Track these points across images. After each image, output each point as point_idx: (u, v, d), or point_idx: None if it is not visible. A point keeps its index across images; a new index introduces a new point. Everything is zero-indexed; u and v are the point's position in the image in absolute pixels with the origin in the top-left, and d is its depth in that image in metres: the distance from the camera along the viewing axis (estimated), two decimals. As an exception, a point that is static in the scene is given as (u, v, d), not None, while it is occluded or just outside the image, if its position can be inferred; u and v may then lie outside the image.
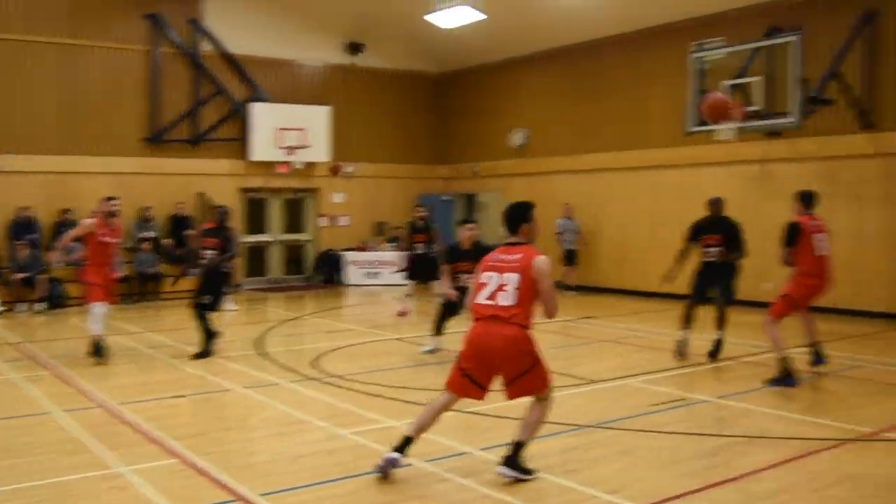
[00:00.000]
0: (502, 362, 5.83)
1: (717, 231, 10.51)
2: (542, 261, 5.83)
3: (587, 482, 5.86)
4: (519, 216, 6.05)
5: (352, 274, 20.92)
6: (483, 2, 17.20)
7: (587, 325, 13.92)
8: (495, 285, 5.86)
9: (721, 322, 10.58)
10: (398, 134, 22.74)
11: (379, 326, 13.88)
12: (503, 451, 5.96)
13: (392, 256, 19.31)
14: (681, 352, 10.56)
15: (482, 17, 17.47)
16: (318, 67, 21.41)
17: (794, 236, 9.24)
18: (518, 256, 5.87)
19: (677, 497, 5.60)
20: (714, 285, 10.64)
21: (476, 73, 22.33)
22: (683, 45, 16.49)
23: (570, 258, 18.62)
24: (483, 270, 6.01)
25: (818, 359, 9.84)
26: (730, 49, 14.82)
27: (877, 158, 14.41)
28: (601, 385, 9.14)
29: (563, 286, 17.98)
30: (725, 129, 13.56)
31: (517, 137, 20.85)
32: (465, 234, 10.49)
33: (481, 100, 22.24)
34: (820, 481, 5.95)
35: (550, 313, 5.92)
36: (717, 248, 10.45)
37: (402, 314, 14.04)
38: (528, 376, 5.86)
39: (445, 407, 6.05)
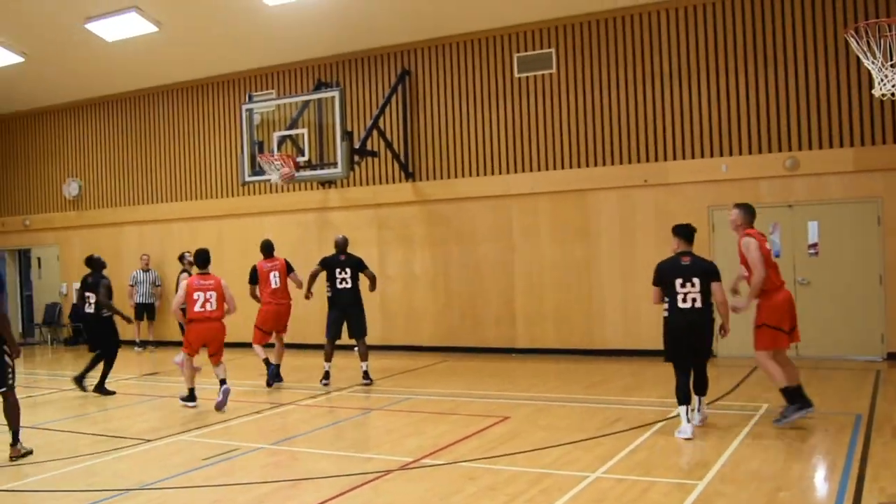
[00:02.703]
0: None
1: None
2: None
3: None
4: None
5: None
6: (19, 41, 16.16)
7: (152, 382, 13.43)
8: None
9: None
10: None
11: None
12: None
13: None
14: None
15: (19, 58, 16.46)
16: None
17: (254, 276, 12.19)
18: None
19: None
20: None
21: (20, 119, 20.67)
22: (239, 96, 16.86)
23: (146, 312, 17.88)
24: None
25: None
26: (278, 101, 15.32)
27: (418, 205, 15.70)
28: (153, 444, 8.78)
29: (139, 343, 17.47)
30: (277, 179, 13.98)
31: (72, 188, 19.65)
32: None
33: (27, 147, 20.62)
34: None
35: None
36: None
37: None
38: None
39: None
